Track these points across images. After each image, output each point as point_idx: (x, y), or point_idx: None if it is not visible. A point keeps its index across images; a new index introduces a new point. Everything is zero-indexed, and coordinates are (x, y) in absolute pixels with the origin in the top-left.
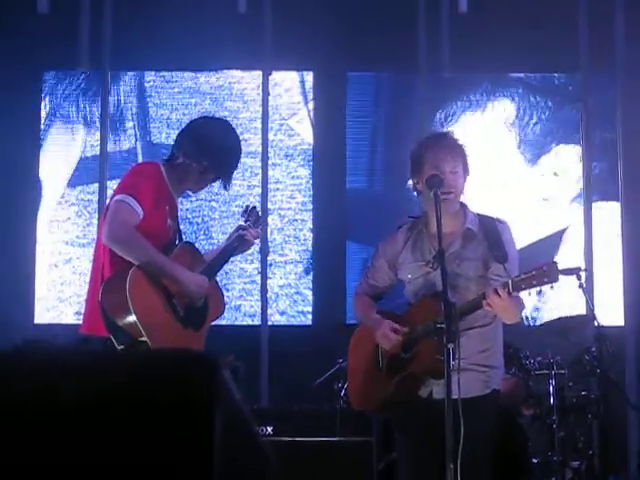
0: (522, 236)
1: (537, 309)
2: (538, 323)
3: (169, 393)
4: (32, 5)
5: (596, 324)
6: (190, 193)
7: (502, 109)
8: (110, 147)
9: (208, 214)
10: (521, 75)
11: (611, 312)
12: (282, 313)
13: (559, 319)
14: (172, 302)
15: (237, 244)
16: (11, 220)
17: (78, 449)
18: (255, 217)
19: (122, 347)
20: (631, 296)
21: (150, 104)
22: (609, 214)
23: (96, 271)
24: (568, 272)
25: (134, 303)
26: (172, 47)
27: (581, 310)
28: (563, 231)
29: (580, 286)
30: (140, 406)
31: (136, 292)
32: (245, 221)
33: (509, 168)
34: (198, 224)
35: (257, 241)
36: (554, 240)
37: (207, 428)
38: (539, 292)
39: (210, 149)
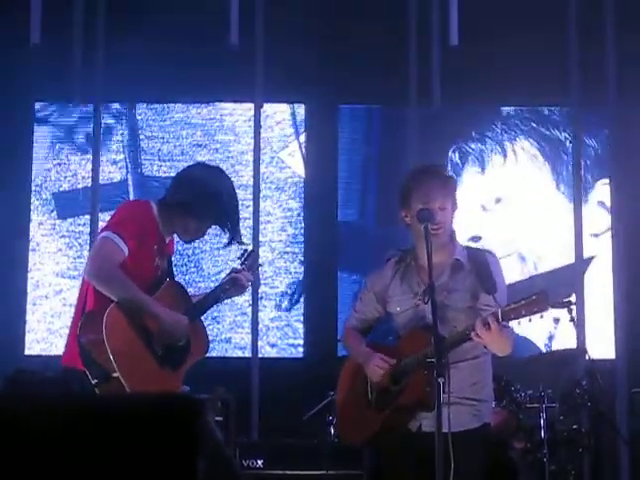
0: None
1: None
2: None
3: (152, 439)
4: (25, 35)
5: (587, 357)
6: (183, 241)
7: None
8: (101, 179)
9: (199, 246)
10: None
11: (602, 345)
12: (273, 345)
13: (550, 352)
14: (150, 340)
15: (229, 286)
16: (2, 251)
17: None
18: (252, 261)
19: (96, 381)
20: (622, 329)
21: (141, 136)
22: (600, 247)
23: (79, 303)
24: (559, 306)
25: (109, 340)
26: (163, 79)
27: (572, 344)
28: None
29: (571, 320)
30: (124, 451)
31: (112, 329)
32: (241, 264)
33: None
34: (189, 256)
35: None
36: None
37: (190, 473)
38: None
39: (193, 192)
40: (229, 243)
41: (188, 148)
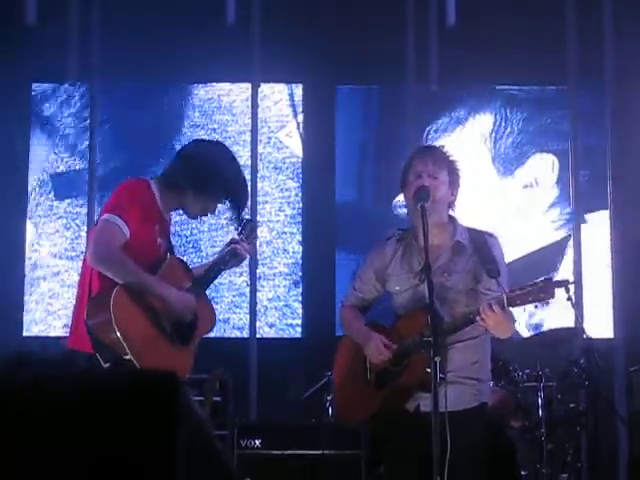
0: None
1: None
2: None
3: (130, 416)
4: (20, 16)
5: (585, 337)
6: (189, 217)
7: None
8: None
9: (197, 226)
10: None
11: (600, 324)
12: (271, 326)
13: (548, 331)
14: (158, 319)
15: (229, 258)
16: (0, 234)
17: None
18: (249, 231)
19: (107, 364)
20: (620, 308)
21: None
22: (598, 225)
23: (83, 287)
24: (556, 285)
25: (118, 322)
26: (160, 59)
27: (570, 323)
28: (566, 239)
29: (568, 299)
30: (102, 428)
31: (120, 311)
32: (239, 234)
33: (484, 179)
34: (187, 237)
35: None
36: (556, 249)
37: (169, 451)
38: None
39: (194, 168)
40: (234, 218)
41: (186, 128)
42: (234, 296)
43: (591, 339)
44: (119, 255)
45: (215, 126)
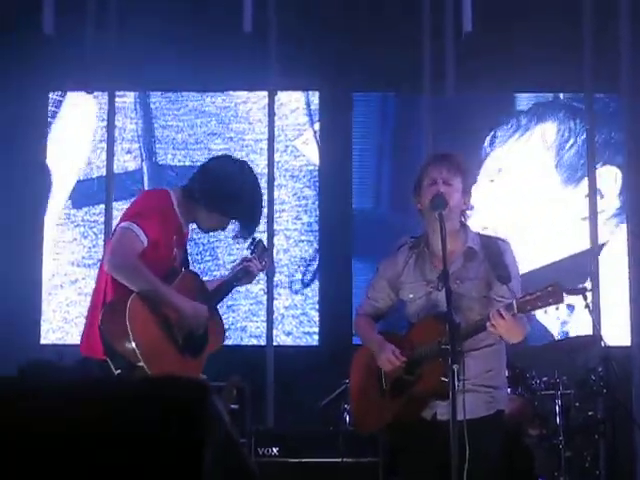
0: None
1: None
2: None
3: (159, 423)
4: (38, 25)
5: (602, 344)
6: (201, 230)
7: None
8: (116, 168)
9: (214, 235)
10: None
11: (618, 332)
12: (288, 334)
13: (566, 339)
14: (171, 330)
15: (241, 275)
16: (17, 241)
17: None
18: (261, 250)
19: (119, 372)
20: (638, 316)
21: (155, 125)
22: (616, 233)
23: (98, 294)
24: (574, 292)
25: (133, 330)
26: (177, 67)
27: (587, 330)
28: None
29: (586, 306)
30: (130, 437)
31: (135, 320)
32: (251, 253)
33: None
34: (204, 244)
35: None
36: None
37: (196, 462)
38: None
39: (210, 186)
40: (244, 238)
41: (202, 137)
42: (251, 304)
43: (609, 347)
44: (136, 263)
45: (232, 134)
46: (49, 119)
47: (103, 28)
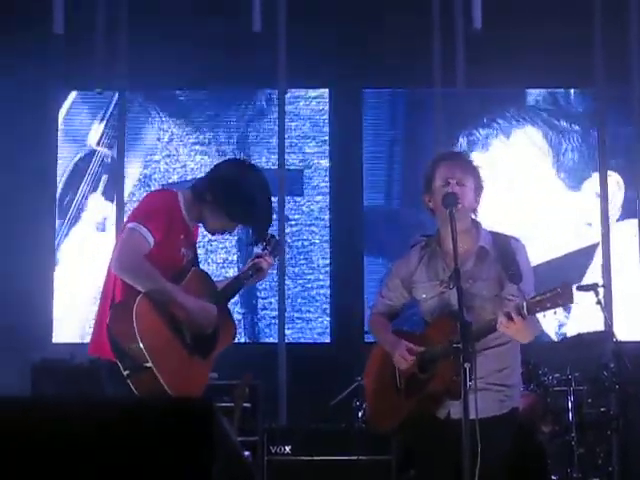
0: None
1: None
2: (557, 339)
3: (163, 445)
4: (48, 25)
5: (614, 340)
6: (208, 232)
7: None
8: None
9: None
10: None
11: (630, 328)
12: (300, 331)
13: (578, 335)
14: (179, 329)
15: (252, 272)
16: (30, 240)
17: None
18: (273, 246)
19: (127, 372)
20: None
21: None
22: (627, 230)
23: (106, 294)
24: (585, 288)
25: (140, 331)
26: (187, 66)
27: (599, 326)
28: (595, 246)
29: (598, 302)
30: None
31: (142, 320)
32: (262, 249)
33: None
34: (216, 239)
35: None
36: (584, 254)
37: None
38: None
39: (220, 189)
40: (251, 244)
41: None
42: (264, 301)
43: (621, 342)
44: (142, 264)
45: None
46: (59, 118)
47: (113, 28)
